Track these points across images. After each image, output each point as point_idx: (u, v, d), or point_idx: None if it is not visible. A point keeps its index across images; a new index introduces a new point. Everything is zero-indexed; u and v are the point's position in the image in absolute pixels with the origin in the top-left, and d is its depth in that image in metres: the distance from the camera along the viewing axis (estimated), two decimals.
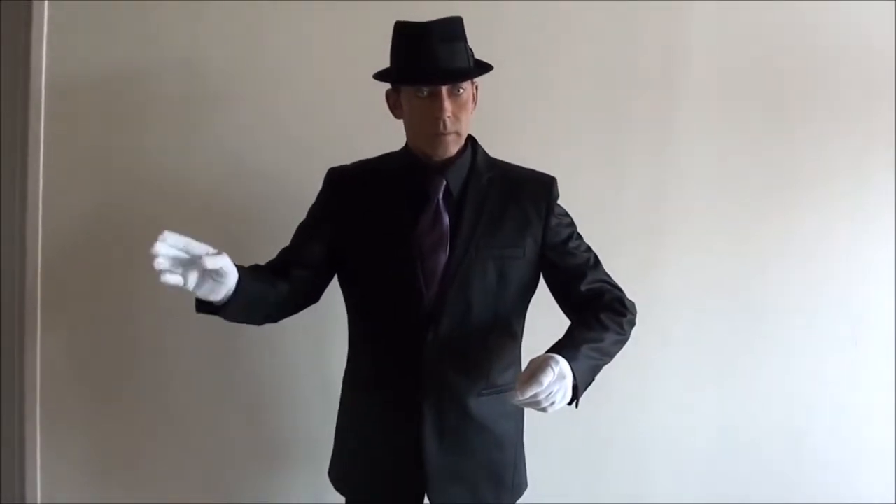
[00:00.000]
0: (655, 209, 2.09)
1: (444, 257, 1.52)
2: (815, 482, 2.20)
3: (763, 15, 2.07)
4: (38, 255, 1.85)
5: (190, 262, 1.31)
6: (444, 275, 1.52)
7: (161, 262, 1.27)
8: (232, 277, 1.35)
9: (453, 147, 1.52)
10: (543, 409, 1.36)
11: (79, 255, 1.88)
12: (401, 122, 1.57)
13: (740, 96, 2.09)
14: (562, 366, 1.36)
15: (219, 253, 1.33)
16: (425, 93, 1.48)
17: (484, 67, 1.55)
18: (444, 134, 1.49)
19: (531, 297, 1.63)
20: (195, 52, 1.88)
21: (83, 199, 1.87)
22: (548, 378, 1.33)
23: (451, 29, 1.49)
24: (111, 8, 1.84)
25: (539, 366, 1.36)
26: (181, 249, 1.30)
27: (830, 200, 2.16)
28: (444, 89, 1.47)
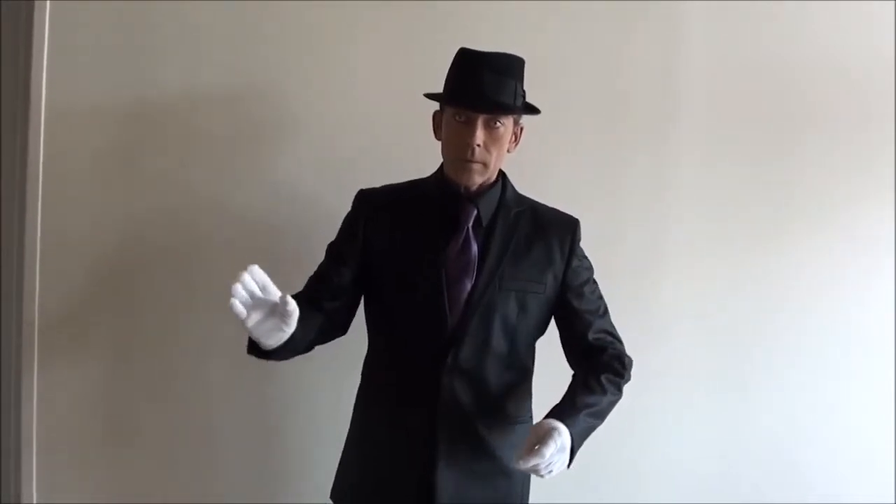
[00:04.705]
0: (649, 242, 2.10)
1: (469, 284, 1.55)
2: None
3: (760, 36, 2.10)
4: (35, 269, 1.86)
5: (259, 302, 1.34)
6: (468, 302, 1.54)
7: (238, 291, 1.31)
8: (293, 327, 1.38)
9: (477, 177, 1.54)
10: (541, 476, 1.43)
11: (79, 271, 1.90)
12: (431, 147, 1.60)
13: (738, 116, 2.11)
14: (563, 438, 1.42)
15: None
16: (462, 118, 1.51)
17: (529, 109, 1.57)
18: (471, 161, 1.52)
19: (542, 334, 1.66)
20: (196, 80, 1.90)
21: (82, 224, 1.88)
22: (549, 451, 1.39)
23: (506, 64, 1.52)
24: (112, 36, 1.86)
25: (542, 437, 1.41)
26: (260, 286, 1.34)
27: (828, 223, 2.17)
28: (481, 118, 1.50)
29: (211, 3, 1.89)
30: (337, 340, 1.68)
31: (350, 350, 1.72)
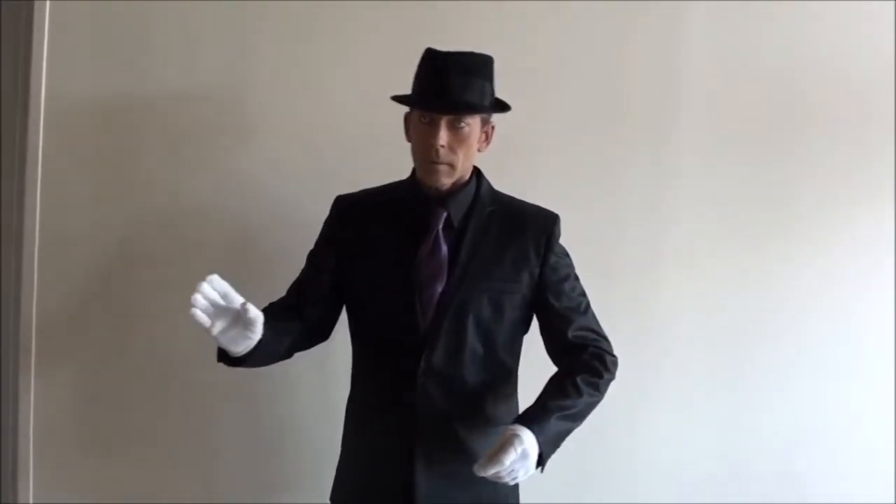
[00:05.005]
0: (649, 243, 2.10)
1: (440, 287, 1.53)
2: None
3: (760, 36, 2.10)
4: (34, 268, 1.87)
5: (222, 310, 1.37)
6: (440, 305, 1.53)
7: (198, 300, 1.34)
8: (258, 334, 1.40)
9: (444, 178, 1.53)
10: (506, 483, 1.42)
11: (77, 270, 1.91)
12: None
13: (738, 116, 2.11)
14: (526, 445, 1.40)
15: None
16: (427, 119, 1.50)
17: (499, 107, 1.56)
18: (437, 163, 1.51)
19: (524, 333, 1.64)
20: (193, 80, 1.91)
21: (81, 223, 1.89)
22: (509, 458, 1.38)
23: (471, 63, 1.51)
24: (111, 35, 1.87)
25: (503, 445, 1.40)
26: (220, 294, 1.37)
27: (828, 223, 2.17)
28: (444, 119, 1.49)
29: (210, 4, 1.90)
30: (339, 341, 1.69)
31: (341, 351, 1.72)
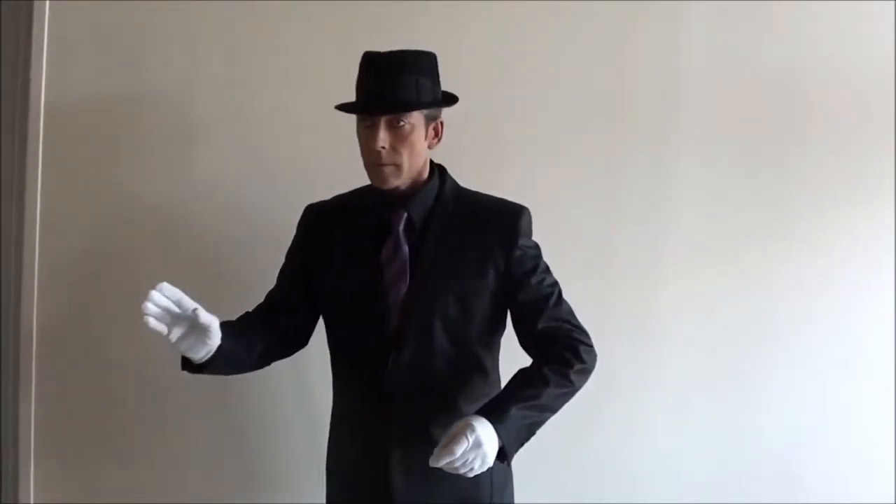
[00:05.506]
0: (649, 243, 2.10)
1: (404, 288, 1.53)
2: None
3: (760, 36, 2.10)
4: (34, 267, 1.88)
5: (178, 317, 1.36)
6: (405, 306, 1.53)
7: (150, 308, 1.33)
8: (215, 339, 1.39)
9: (392, 179, 1.51)
10: (462, 474, 1.38)
11: (78, 268, 1.92)
12: None
13: (738, 116, 2.11)
14: (478, 434, 1.36)
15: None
16: (368, 122, 1.49)
17: (445, 101, 1.53)
18: (381, 165, 1.49)
19: (500, 330, 1.62)
20: (189, 81, 1.91)
21: (81, 222, 1.90)
22: (461, 448, 1.35)
23: (403, 62, 1.48)
24: (111, 35, 1.88)
25: (454, 435, 1.37)
26: (174, 302, 1.36)
27: (828, 223, 2.17)
28: (383, 120, 1.47)
29: (209, 4, 1.91)
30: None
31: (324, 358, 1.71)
